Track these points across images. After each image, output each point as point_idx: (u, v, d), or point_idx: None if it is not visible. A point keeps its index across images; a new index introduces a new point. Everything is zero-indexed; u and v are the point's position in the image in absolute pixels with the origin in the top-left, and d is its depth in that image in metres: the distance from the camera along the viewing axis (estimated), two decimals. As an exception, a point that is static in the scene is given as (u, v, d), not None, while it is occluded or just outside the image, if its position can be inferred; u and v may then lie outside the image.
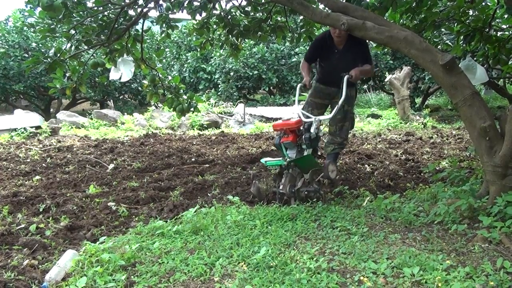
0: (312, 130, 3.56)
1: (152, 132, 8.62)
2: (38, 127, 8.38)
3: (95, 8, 4.46)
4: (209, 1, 4.90)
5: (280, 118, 10.07)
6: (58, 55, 4.45)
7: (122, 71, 5.28)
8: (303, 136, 3.55)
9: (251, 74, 13.51)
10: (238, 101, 12.78)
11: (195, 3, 4.95)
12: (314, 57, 4.29)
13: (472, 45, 4.67)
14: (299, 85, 4.04)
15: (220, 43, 5.97)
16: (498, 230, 2.44)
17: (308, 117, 3.75)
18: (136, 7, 4.79)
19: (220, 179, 4.46)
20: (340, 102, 3.65)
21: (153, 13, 5.24)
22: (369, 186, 4.07)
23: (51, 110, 15.22)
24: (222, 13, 5.27)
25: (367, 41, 4.00)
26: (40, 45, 12.83)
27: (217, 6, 5.20)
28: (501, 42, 4.57)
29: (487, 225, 2.52)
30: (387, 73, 13.04)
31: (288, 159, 3.45)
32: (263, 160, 3.70)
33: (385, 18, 4.17)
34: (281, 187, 3.43)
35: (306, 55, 4.37)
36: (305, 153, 3.57)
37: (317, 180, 3.65)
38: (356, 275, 2.11)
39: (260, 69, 13.50)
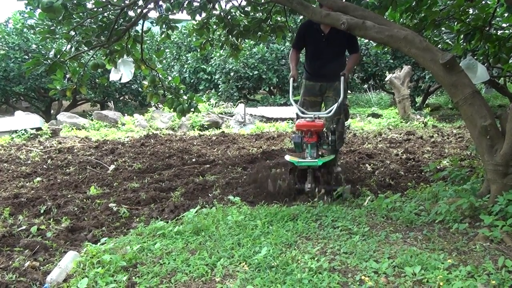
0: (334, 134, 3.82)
1: (153, 133, 8.63)
2: (38, 129, 8.38)
3: (95, 9, 4.46)
4: (208, 2, 4.89)
5: (281, 118, 10.13)
6: (58, 56, 4.45)
7: (122, 72, 5.28)
8: (329, 138, 3.84)
9: (251, 74, 13.50)
10: (239, 101, 12.78)
11: (195, 4, 4.95)
12: (301, 42, 4.31)
13: (472, 44, 4.66)
14: (290, 79, 4.11)
15: (220, 44, 5.97)
16: (500, 229, 2.44)
17: (304, 113, 3.83)
18: (136, 8, 4.79)
19: (221, 180, 4.45)
20: (340, 99, 3.87)
21: (153, 14, 5.24)
22: (370, 186, 4.07)
23: (52, 111, 15.24)
24: (222, 14, 5.27)
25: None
26: (40, 46, 12.85)
27: (216, 6, 5.20)
28: (502, 40, 4.56)
29: (489, 224, 2.52)
30: (387, 72, 13.03)
31: (318, 161, 3.58)
32: (292, 160, 3.68)
33: (385, 17, 4.17)
34: (308, 185, 3.60)
35: (293, 42, 4.41)
36: (323, 152, 3.82)
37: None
38: (358, 274, 2.11)
39: (260, 69, 13.50)
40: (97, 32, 4.61)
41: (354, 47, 4.19)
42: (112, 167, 5.34)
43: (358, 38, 4.49)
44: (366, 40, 12.62)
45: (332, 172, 3.79)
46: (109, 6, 4.48)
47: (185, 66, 15.00)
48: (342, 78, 3.88)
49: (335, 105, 3.83)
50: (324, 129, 3.83)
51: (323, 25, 4.06)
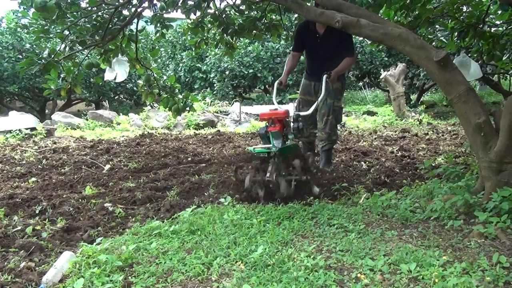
0: (297, 122, 3.57)
1: (148, 132, 8.61)
2: (33, 129, 8.33)
3: (89, 8, 4.44)
4: (203, 0, 4.89)
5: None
6: (52, 56, 4.43)
7: (117, 71, 5.26)
8: (292, 126, 3.55)
9: (246, 72, 13.50)
10: (234, 100, 12.78)
11: (190, 2, 4.94)
12: (300, 44, 4.31)
13: (466, 41, 4.69)
14: (276, 82, 4.09)
15: (215, 42, 5.96)
16: (494, 225, 2.45)
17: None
18: (130, 7, 4.78)
19: (217, 178, 4.45)
20: (320, 98, 3.80)
21: (147, 13, 5.23)
22: (365, 183, 4.08)
23: (46, 111, 15.17)
24: (216, 12, 5.26)
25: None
26: (34, 46, 12.76)
27: (211, 5, 5.20)
28: (495, 38, 4.60)
29: (483, 221, 2.53)
30: (382, 70, 13.06)
31: (276, 148, 3.41)
32: (250, 148, 3.68)
33: (379, 15, 4.18)
34: (267, 175, 3.39)
35: (293, 45, 4.41)
36: (289, 142, 3.57)
37: (305, 169, 3.65)
38: (353, 272, 2.11)
39: (256, 68, 13.50)
40: (91, 31, 4.59)
41: (347, 50, 4.10)
42: (107, 166, 5.33)
43: (353, 36, 4.48)
44: (361, 38, 12.64)
45: (300, 161, 3.55)
46: (104, 5, 4.46)
47: (180, 65, 14.97)
48: (324, 77, 3.82)
49: (314, 104, 3.76)
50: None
51: (318, 26, 4.07)
